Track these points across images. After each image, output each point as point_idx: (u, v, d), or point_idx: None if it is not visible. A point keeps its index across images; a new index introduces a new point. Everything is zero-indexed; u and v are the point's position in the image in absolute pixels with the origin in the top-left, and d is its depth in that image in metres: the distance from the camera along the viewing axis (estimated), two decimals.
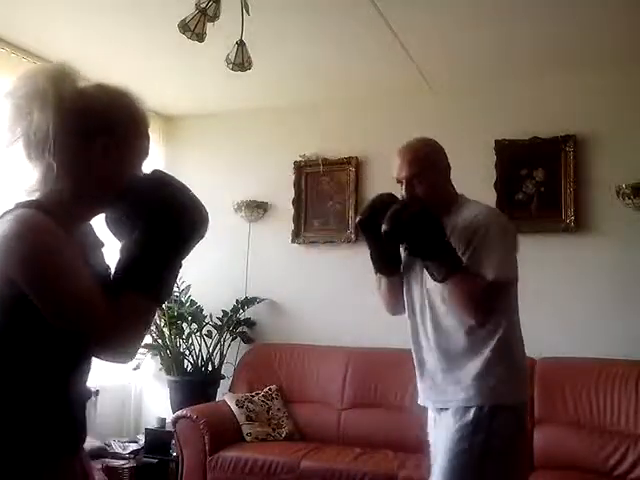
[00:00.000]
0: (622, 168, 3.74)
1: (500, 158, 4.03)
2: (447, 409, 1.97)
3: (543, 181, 3.95)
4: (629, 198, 3.67)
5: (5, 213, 1.21)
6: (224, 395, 4.21)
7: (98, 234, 1.37)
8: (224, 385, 4.37)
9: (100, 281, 1.21)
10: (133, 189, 1.25)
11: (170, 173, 1.31)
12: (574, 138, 3.88)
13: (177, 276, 1.27)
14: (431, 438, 2.12)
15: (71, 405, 1.27)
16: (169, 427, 3.94)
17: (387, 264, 2.12)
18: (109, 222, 1.29)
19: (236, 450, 3.66)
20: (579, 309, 3.77)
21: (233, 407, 3.96)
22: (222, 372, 4.38)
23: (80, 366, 1.28)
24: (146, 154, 1.34)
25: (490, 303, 1.90)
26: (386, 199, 2.03)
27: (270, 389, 4.14)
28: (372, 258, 2.13)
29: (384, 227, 1.90)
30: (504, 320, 1.97)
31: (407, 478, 3.29)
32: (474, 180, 3.99)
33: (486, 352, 1.93)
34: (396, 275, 2.14)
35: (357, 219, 2.11)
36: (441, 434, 1.97)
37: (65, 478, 1.25)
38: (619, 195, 3.71)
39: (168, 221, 1.22)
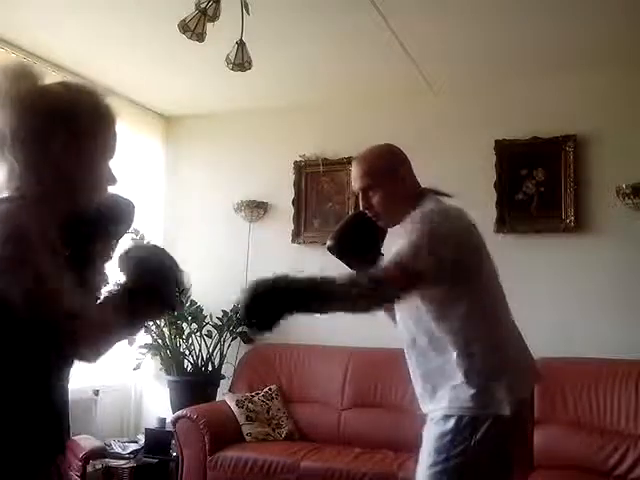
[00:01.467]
0: (622, 168, 3.74)
1: (500, 158, 4.02)
2: (432, 413, 1.95)
3: (543, 181, 3.95)
4: (629, 198, 3.67)
5: None
6: (224, 395, 4.21)
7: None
8: (224, 385, 4.37)
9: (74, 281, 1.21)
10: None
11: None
12: (574, 138, 3.88)
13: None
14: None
15: (54, 408, 1.27)
16: (169, 427, 3.94)
17: None
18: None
19: (236, 450, 3.66)
20: (579, 309, 3.76)
21: (233, 407, 3.96)
22: (222, 372, 4.38)
23: (60, 367, 1.28)
24: (112, 151, 1.34)
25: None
26: (350, 220, 2.14)
27: (270, 389, 4.14)
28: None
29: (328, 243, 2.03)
30: (464, 328, 1.90)
31: (407, 478, 3.28)
32: (474, 180, 3.99)
33: (462, 363, 1.87)
34: None
35: (327, 245, 2.12)
36: (425, 442, 1.94)
37: None
38: (619, 195, 3.71)
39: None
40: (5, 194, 1.24)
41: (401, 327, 2.05)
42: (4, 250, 1.13)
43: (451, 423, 1.86)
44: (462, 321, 1.89)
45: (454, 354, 1.89)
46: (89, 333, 1.18)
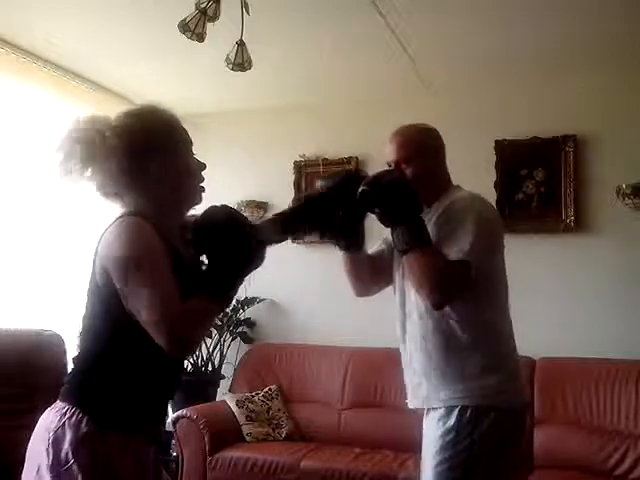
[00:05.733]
0: (622, 168, 3.74)
1: (500, 158, 4.03)
2: (433, 410, 1.93)
3: (543, 181, 3.95)
4: (629, 198, 3.67)
5: (109, 226, 1.43)
6: (224, 395, 4.21)
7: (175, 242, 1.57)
8: (224, 385, 4.37)
9: (186, 277, 1.42)
10: (203, 226, 1.49)
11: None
12: (574, 138, 3.88)
13: (236, 290, 1.50)
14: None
15: (159, 389, 1.53)
16: (169, 427, 3.94)
17: (347, 237, 2.03)
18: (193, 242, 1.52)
19: (236, 450, 3.66)
20: (579, 309, 3.77)
21: (233, 407, 3.96)
22: (222, 372, 4.38)
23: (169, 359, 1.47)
24: (189, 143, 1.56)
25: (448, 284, 1.82)
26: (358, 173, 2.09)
27: (270, 389, 4.14)
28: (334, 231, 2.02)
29: (362, 187, 1.87)
30: (487, 317, 1.92)
31: (407, 478, 3.29)
32: (474, 180, 3.96)
33: (469, 351, 1.88)
34: (356, 253, 2.08)
35: (324, 184, 2.01)
36: (427, 439, 1.94)
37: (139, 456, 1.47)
38: (619, 195, 3.71)
39: (227, 256, 1.45)
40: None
41: (410, 314, 2.01)
42: (126, 253, 1.36)
43: (454, 417, 1.85)
44: (481, 304, 1.90)
45: (465, 343, 1.89)
46: (184, 333, 1.37)
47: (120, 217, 1.44)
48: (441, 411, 1.89)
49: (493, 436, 1.85)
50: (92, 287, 1.46)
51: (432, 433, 1.90)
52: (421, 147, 2.03)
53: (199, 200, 1.57)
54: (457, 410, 1.85)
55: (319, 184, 2.04)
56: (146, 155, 1.45)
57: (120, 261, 1.36)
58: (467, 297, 1.86)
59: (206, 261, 1.48)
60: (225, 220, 1.50)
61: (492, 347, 1.93)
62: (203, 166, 1.59)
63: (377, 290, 2.18)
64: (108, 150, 1.42)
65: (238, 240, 1.47)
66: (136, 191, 1.46)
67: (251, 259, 1.48)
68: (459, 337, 1.89)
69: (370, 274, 2.12)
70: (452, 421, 1.85)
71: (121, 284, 1.35)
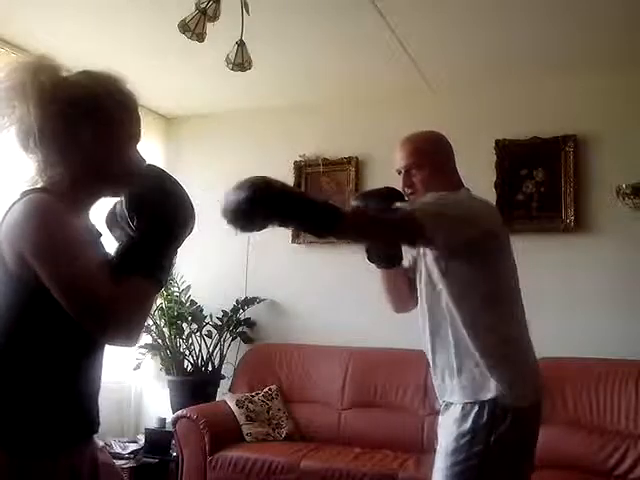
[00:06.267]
0: (622, 168, 3.74)
1: (500, 158, 4.03)
2: (449, 407, 1.95)
3: (543, 181, 3.95)
4: (629, 198, 3.67)
5: (14, 203, 1.24)
6: (224, 395, 4.21)
7: (95, 225, 1.40)
8: (224, 385, 4.37)
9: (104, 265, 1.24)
10: (134, 185, 1.27)
11: (166, 170, 1.32)
12: (574, 138, 3.88)
13: (172, 263, 1.30)
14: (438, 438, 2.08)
15: (79, 395, 1.30)
16: (169, 427, 3.94)
17: (380, 255, 2.12)
18: (107, 219, 1.32)
19: (236, 450, 3.66)
20: (579, 309, 3.76)
21: (233, 407, 3.96)
22: (222, 372, 4.38)
23: (90, 356, 1.30)
24: (137, 135, 1.35)
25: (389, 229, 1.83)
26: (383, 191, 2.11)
27: (270, 389, 4.14)
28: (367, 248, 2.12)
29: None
30: (501, 320, 1.94)
31: (407, 478, 3.29)
32: (474, 180, 3.95)
33: (482, 350, 1.89)
34: (392, 268, 2.15)
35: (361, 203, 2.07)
36: (443, 436, 1.94)
37: (68, 467, 1.26)
38: (619, 195, 3.70)
39: (164, 217, 1.25)
40: (39, 183, 1.28)
41: (423, 314, 2.05)
42: (41, 233, 1.17)
43: (469, 421, 1.85)
44: (482, 304, 1.91)
45: (473, 343, 1.90)
46: (122, 317, 1.18)
47: (26, 194, 1.24)
48: (457, 411, 1.89)
49: (510, 437, 1.86)
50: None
51: (450, 431, 1.90)
52: (430, 153, 2.08)
53: (119, 194, 1.31)
54: (475, 411, 1.86)
55: (354, 204, 2.09)
56: (84, 119, 1.26)
57: (39, 244, 1.16)
58: (476, 299, 1.90)
59: (132, 234, 1.25)
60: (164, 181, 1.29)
61: (507, 349, 1.93)
62: (143, 162, 1.34)
63: (415, 304, 2.18)
64: (44, 99, 1.23)
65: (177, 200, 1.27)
66: (59, 157, 1.26)
67: (186, 222, 1.28)
68: (474, 339, 1.90)
69: (409, 288, 2.17)
70: (468, 424, 1.85)
71: (42, 269, 1.15)
